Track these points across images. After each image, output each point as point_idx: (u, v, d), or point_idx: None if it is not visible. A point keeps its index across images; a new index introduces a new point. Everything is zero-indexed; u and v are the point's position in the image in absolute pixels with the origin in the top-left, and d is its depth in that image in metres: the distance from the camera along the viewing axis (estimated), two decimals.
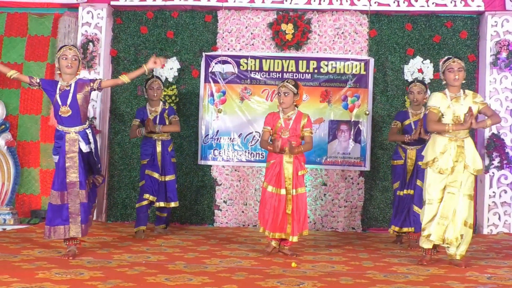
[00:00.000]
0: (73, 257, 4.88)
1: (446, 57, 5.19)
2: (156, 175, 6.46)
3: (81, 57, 7.39)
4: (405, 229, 6.20)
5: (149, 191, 6.42)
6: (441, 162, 5.02)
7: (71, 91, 4.98)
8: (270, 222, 5.37)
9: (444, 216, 4.98)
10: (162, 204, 6.53)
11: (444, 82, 5.18)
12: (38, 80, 5.02)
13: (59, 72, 5.09)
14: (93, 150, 5.12)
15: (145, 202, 6.44)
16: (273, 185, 5.39)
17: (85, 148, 5.02)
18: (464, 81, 5.11)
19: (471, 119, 4.87)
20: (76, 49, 5.09)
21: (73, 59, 5.00)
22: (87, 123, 5.11)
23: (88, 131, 5.09)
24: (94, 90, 5.13)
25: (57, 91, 4.98)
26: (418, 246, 5.93)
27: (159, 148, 6.49)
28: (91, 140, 5.09)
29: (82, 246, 5.33)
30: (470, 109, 4.91)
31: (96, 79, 5.15)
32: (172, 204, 6.58)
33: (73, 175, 4.97)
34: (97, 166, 5.26)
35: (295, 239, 5.39)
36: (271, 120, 5.51)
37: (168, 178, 6.55)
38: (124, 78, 5.14)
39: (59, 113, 4.98)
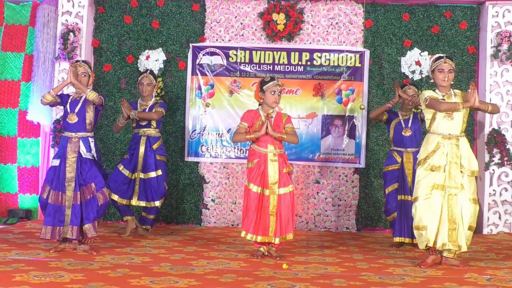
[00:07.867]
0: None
1: (437, 56, 5.20)
2: (126, 172, 6.45)
3: (62, 48, 7.48)
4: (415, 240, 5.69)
5: (113, 189, 6.37)
6: (433, 159, 5.02)
7: (81, 101, 5.54)
8: (253, 225, 5.30)
9: (452, 221, 4.96)
10: (142, 203, 6.45)
11: (432, 81, 5.20)
12: (58, 100, 5.58)
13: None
14: (95, 158, 5.51)
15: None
16: (257, 184, 5.34)
17: (84, 153, 5.44)
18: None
19: (475, 95, 4.88)
20: (86, 65, 5.64)
21: (83, 75, 5.56)
22: (92, 133, 5.58)
23: (91, 140, 5.53)
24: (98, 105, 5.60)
25: (68, 100, 5.56)
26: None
27: (142, 147, 6.46)
28: (93, 148, 5.51)
29: (63, 247, 5.37)
30: (472, 84, 4.94)
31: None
32: (156, 203, 6.43)
33: (70, 175, 5.37)
34: (99, 179, 5.45)
35: (277, 241, 5.31)
36: (249, 118, 5.45)
37: (148, 175, 6.43)
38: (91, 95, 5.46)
39: (67, 120, 5.48)
